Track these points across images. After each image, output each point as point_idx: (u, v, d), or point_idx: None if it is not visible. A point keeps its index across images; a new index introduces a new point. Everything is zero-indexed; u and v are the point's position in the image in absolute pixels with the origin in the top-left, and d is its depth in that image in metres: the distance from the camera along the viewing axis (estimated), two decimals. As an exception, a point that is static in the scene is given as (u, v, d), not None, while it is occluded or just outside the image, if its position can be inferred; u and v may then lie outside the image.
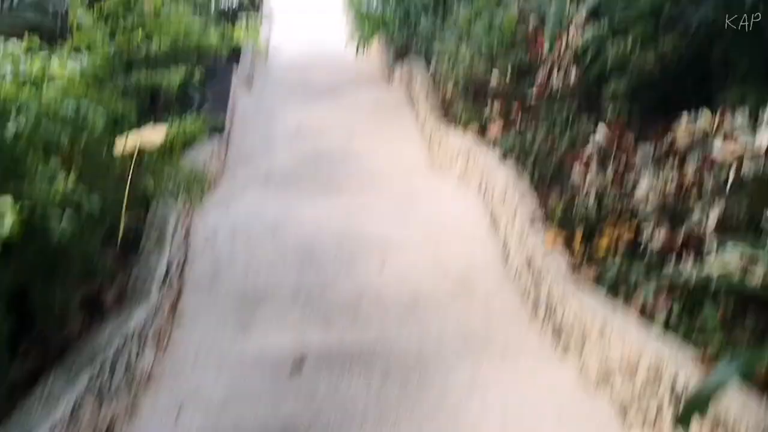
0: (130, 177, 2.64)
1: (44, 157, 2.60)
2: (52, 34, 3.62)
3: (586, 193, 3.88)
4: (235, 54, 9.82)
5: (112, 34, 4.64)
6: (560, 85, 4.80)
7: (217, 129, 6.14)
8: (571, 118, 4.84)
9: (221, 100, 7.00)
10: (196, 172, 3.52)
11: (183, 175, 3.26)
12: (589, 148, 3.90)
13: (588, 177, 3.78)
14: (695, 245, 3.20)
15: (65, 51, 3.39)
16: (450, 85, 6.42)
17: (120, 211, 2.87)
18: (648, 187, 3.40)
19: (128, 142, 2.66)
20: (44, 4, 3.80)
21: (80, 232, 2.57)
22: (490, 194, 4.87)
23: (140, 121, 4.71)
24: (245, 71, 9.44)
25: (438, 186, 5.73)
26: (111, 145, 2.68)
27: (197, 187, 3.35)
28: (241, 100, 8.01)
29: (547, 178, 4.53)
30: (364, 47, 12.47)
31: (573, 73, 4.71)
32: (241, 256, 4.60)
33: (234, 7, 15.11)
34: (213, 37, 5.51)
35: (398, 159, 6.49)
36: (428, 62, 7.63)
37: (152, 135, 2.65)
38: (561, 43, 4.74)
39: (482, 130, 5.74)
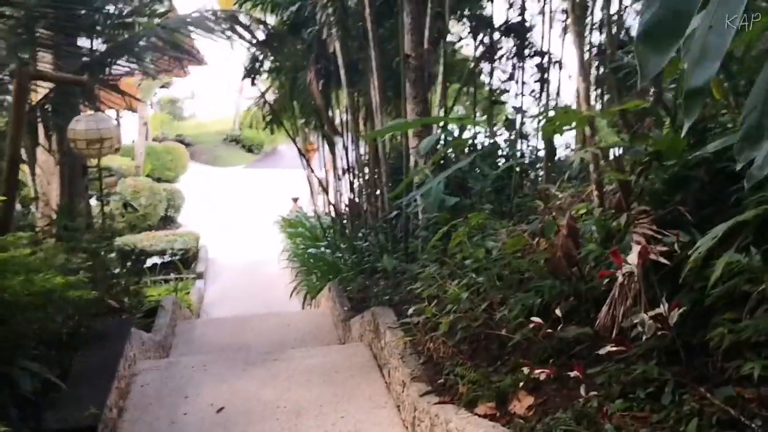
0: None
1: None
2: None
3: None
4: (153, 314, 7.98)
5: None
6: (645, 331, 2.82)
7: (77, 428, 3.82)
8: (674, 389, 2.80)
9: (102, 379, 4.75)
10: None
11: None
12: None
13: None
14: None
15: None
16: (438, 341, 4.40)
17: None
18: None
19: None
20: None
21: None
22: None
23: None
24: (160, 335, 7.33)
25: None
26: None
27: None
28: (143, 375, 5.75)
29: None
30: (312, 299, 10.68)
31: (664, 309, 2.78)
32: None
33: (161, 262, 13.62)
34: (88, 288, 3.50)
35: (369, 459, 4.20)
36: (398, 312, 5.71)
37: None
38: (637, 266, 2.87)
39: (501, 407, 3.63)
